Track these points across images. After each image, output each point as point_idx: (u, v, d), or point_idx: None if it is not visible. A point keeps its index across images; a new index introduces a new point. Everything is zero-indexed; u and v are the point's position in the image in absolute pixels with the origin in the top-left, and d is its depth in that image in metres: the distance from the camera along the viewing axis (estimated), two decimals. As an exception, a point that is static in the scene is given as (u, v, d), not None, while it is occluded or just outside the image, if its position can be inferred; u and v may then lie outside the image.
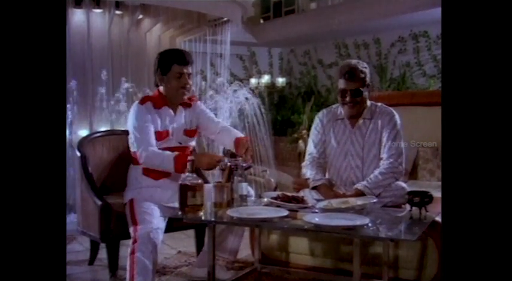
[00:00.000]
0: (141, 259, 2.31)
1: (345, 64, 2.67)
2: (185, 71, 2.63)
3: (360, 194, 2.48)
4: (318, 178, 2.66)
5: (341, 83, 2.63)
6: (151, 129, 2.61)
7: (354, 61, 2.68)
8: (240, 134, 2.77)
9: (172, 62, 2.62)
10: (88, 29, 4.96)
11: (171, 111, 2.69)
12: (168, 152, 2.55)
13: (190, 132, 2.77)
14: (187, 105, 2.76)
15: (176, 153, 2.53)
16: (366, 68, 2.65)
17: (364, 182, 2.53)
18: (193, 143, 2.85)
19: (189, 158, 2.25)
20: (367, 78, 2.63)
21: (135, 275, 2.30)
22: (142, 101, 2.65)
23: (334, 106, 2.83)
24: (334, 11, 8.91)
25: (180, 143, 2.71)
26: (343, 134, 2.71)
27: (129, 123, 2.68)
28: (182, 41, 6.21)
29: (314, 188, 2.63)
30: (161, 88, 2.69)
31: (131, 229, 2.46)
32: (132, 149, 2.67)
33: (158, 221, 2.44)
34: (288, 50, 11.22)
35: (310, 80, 10.45)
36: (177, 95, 2.66)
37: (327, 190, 2.58)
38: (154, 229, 2.40)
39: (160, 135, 2.64)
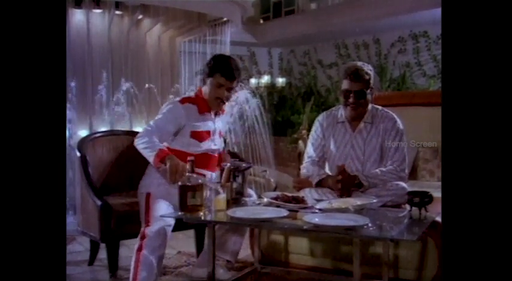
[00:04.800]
0: (148, 257, 2.32)
1: (350, 65, 2.67)
2: (226, 84, 2.61)
3: (353, 177, 2.50)
4: (322, 172, 2.67)
5: (345, 84, 2.61)
6: (170, 129, 2.60)
7: (359, 63, 2.68)
8: None
9: (217, 71, 2.61)
10: (88, 29, 4.96)
11: (213, 116, 2.72)
12: (160, 143, 2.53)
13: (221, 134, 2.83)
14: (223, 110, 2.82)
15: (162, 146, 2.51)
16: (371, 70, 2.64)
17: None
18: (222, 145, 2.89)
19: (189, 158, 2.25)
20: (372, 81, 2.62)
21: (139, 272, 2.31)
22: (183, 101, 2.65)
23: (334, 108, 2.82)
24: (334, 11, 8.92)
25: (216, 145, 2.75)
26: (344, 137, 2.70)
27: (160, 111, 2.69)
28: (182, 41, 6.21)
29: (319, 183, 2.63)
30: (203, 89, 2.69)
31: (142, 224, 2.47)
32: None
33: (170, 219, 2.44)
34: (287, 50, 11.23)
35: (310, 80, 10.45)
36: (212, 103, 2.67)
37: (333, 178, 2.56)
38: (165, 226, 2.41)
39: (202, 136, 2.65)
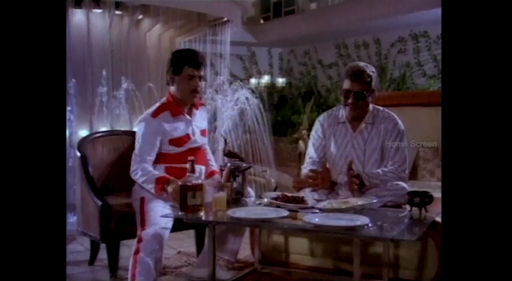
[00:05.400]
0: (145, 259, 2.32)
1: (353, 65, 2.65)
2: (196, 73, 2.62)
3: (354, 175, 2.48)
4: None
5: (346, 83, 2.60)
6: (155, 145, 2.61)
7: (362, 63, 2.66)
8: None
9: (184, 64, 2.61)
10: (88, 29, 4.96)
11: (188, 117, 2.71)
12: (154, 172, 2.56)
13: (204, 132, 2.82)
14: (198, 105, 2.79)
15: (158, 174, 2.54)
16: (373, 72, 2.61)
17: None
18: (205, 142, 2.88)
19: (190, 158, 2.25)
20: (373, 83, 2.60)
21: (136, 275, 2.31)
22: (155, 114, 2.64)
23: (335, 108, 2.80)
24: (334, 11, 8.91)
25: (198, 143, 2.74)
26: (344, 138, 2.69)
27: (137, 134, 2.68)
28: (182, 41, 6.21)
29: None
30: (172, 89, 2.69)
31: (138, 228, 2.48)
32: None
33: (166, 221, 2.44)
34: (288, 50, 11.23)
35: (310, 80, 10.45)
36: (187, 97, 2.67)
37: (327, 171, 2.55)
38: (161, 228, 2.41)
39: (181, 141, 2.65)
